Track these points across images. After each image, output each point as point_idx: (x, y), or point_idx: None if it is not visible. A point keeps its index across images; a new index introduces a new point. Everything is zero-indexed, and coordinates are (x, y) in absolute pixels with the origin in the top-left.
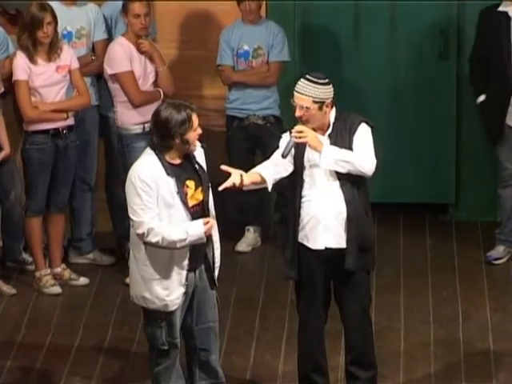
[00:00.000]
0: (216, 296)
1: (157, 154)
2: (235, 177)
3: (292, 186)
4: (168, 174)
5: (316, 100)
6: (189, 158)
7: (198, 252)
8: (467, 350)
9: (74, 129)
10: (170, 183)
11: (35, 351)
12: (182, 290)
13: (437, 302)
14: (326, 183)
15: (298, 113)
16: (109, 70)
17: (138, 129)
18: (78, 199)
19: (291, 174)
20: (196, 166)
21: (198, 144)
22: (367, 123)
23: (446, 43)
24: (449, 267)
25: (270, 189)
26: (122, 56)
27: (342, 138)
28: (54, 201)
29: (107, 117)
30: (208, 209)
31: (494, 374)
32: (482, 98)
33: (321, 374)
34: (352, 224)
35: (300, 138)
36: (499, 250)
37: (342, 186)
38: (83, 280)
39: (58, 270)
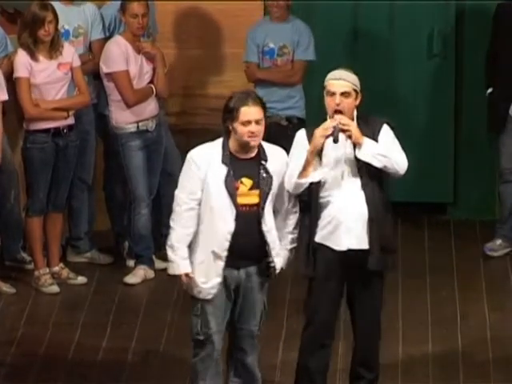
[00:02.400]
0: (264, 302)
1: (224, 141)
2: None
3: (309, 185)
4: (223, 161)
5: (355, 88)
6: (259, 158)
7: (244, 252)
8: (466, 349)
9: (74, 128)
10: (221, 171)
11: (34, 349)
12: (219, 280)
13: (435, 301)
14: (348, 183)
15: (337, 100)
16: (104, 69)
17: (132, 127)
18: (76, 198)
19: None
20: (262, 168)
21: (276, 148)
22: (389, 124)
23: (444, 43)
24: (447, 267)
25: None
26: (119, 55)
27: (365, 135)
28: (53, 200)
29: (106, 116)
30: (262, 217)
31: (492, 374)
32: (490, 90)
33: (322, 374)
34: (373, 224)
35: (344, 126)
36: (496, 242)
37: (363, 185)
38: (81, 279)
39: (56, 268)
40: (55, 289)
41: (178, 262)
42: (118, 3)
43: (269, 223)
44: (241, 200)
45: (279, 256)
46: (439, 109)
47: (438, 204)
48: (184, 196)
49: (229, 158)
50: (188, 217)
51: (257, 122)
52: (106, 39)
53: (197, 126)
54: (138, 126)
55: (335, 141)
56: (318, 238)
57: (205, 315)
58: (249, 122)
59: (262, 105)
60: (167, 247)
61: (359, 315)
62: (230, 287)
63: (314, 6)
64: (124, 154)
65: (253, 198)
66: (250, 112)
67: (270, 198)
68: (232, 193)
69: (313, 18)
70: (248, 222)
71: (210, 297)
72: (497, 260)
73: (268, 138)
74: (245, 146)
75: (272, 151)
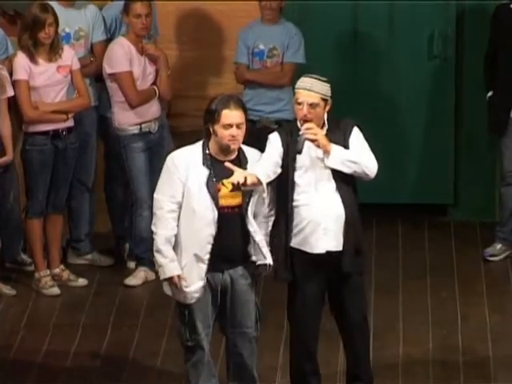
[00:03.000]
0: (257, 303)
1: (204, 143)
2: (239, 175)
3: (281, 189)
4: (204, 163)
5: (323, 97)
6: (239, 160)
7: (227, 254)
8: (466, 350)
9: (74, 130)
10: (203, 173)
11: (34, 352)
12: (201, 283)
13: (436, 303)
14: (323, 186)
15: (304, 110)
16: (108, 69)
17: (135, 129)
18: (76, 200)
19: (278, 177)
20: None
21: (252, 150)
22: (358, 127)
23: (444, 44)
24: (447, 268)
25: (266, 193)
26: (122, 56)
27: (336, 139)
28: (53, 202)
29: (107, 118)
30: (247, 218)
31: (492, 375)
32: (490, 93)
33: (316, 376)
34: (349, 226)
35: (310, 136)
36: (496, 247)
37: (338, 188)
38: (82, 281)
39: (56, 270)
40: (56, 291)
41: (168, 264)
42: (119, 4)
43: (254, 224)
44: (223, 202)
45: (268, 254)
46: (439, 110)
47: (438, 205)
48: (165, 199)
49: (209, 160)
50: (170, 219)
51: (238, 126)
52: (108, 41)
53: (195, 128)
54: (140, 128)
55: (299, 152)
56: (294, 243)
57: (192, 321)
58: (230, 126)
59: (244, 109)
60: (154, 253)
61: (346, 318)
62: (217, 289)
63: (314, 7)
64: (126, 155)
65: (235, 200)
66: (232, 115)
67: (252, 199)
68: (214, 195)
69: (312, 20)
70: (231, 224)
71: (193, 301)
72: (497, 261)
73: (257, 141)
74: (225, 149)
75: (251, 154)
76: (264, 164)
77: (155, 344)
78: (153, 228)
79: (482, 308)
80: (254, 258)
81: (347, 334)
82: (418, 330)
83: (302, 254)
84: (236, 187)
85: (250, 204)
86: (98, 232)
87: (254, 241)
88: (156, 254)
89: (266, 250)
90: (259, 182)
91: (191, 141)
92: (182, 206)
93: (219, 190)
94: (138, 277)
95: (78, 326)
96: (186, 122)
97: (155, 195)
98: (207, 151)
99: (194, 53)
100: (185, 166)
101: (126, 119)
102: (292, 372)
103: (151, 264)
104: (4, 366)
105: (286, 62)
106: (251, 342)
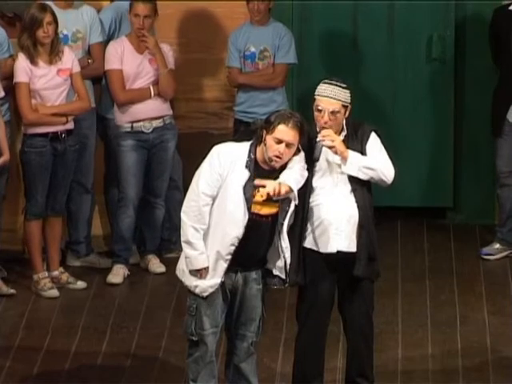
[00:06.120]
0: (263, 311)
1: (251, 146)
2: (273, 185)
3: (299, 192)
4: (246, 166)
5: (344, 104)
6: (282, 171)
7: (247, 259)
8: (465, 353)
9: (73, 133)
10: (243, 175)
11: (33, 354)
12: (218, 280)
13: (435, 305)
14: (338, 188)
15: (325, 118)
16: (105, 67)
17: (127, 127)
18: (74, 202)
19: None
20: None
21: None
22: (376, 132)
23: (443, 47)
24: (447, 270)
25: (297, 201)
26: (112, 54)
27: (353, 144)
28: (52, 204)
29: (107, 119)
30: (281, 232)
31: (491, 378)
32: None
33: (319, 379)
34: (363, 230)
35: (327, 144)
36: (493, 246)
37: (353, 190)
38: (81, 284)
39: (55, 273)
40: (55, 293)
41: (198, 257)
42: (117, 5)
43: (287, 239)
44: (258, 209)
45: (287, 258)
46: (439, 113)
47: (437, 208)
48: (203, 192)
49: (253, 164)
50: (205, 213)
51: (287, 145)
52: (106, 43)
53: (194, 130)
54: (132, 127)
55: (316, 159)
56: (306, 243)
57: (200, 315)
58: (280, 141)
59: (301, 132)
60: (183, 243)
61: (351, 322)
62: (227, 288)
63: (313, 11)
64: (116, 153)
65: (270, 210)
66: (286, 132)
67: (289, 214)
68: (249, 199)
69: (312, 24)
70: (259, 232)
71: (205, 294)
72: (496, 263)
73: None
74: (267, 161)
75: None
76: (292, 169)
77: (154, 346)
78: (183, 217)
79: (481, 310)
80: (270, 266)
81: (351, 337)
82: (416, 333)
83: (314, 253)
84: (270, 197)
85: (286, 218)
86: (98, 234)
87: (284, 256)
88: (185, 245)
89: (288, 269)
90: (291, 190)
91: (188, 143)
92: (216, 200)
93: (254, 196)
94: (119, 274)
95: (77, 329)
96: (184, 123)
97: (194, 185)
98: (253, 155)
99: (192, 55)
100: (228, 163)
101: (120, 117)
102: (294, 373)
103: (127, 262)
104: (3, 368)
105: (278, 63)
106: (250, 347)
